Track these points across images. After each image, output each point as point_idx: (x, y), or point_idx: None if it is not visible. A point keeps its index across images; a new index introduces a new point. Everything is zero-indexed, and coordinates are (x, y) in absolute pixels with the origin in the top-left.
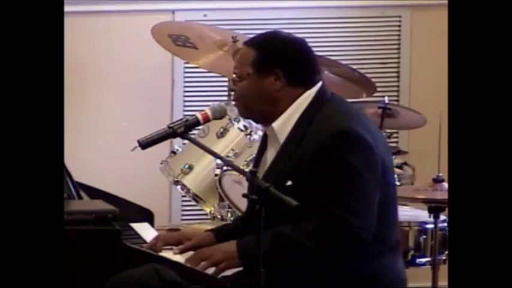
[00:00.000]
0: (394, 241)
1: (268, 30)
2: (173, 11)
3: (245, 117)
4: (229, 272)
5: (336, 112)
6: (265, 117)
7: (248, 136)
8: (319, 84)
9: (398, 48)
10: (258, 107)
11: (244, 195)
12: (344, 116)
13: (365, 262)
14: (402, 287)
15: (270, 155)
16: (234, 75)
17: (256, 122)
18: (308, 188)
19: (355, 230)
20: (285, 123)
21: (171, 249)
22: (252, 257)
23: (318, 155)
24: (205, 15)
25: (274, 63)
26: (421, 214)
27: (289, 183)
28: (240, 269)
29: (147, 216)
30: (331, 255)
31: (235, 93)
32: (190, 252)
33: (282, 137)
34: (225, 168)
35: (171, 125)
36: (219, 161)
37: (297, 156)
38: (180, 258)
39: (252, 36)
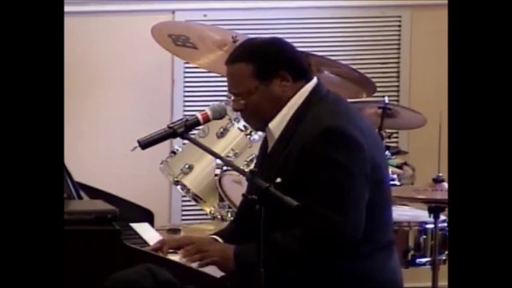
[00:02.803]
0: (387, 241)
1: (242, 42)
2: (173, 11)
3: (262, 130)
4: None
5: (327, 110)
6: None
7: (248, 136)
8: (315, 81)
9: (399, 48)
10: (273, 112)
11: (244, 195)
12: (333, 114)
13: (354, 261)
14: (396, 287)
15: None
16: (235, 96)
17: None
18: (296, 186)
19: (342, 229)
20: (280, 122)
21: (175, 252)
22: (246, 265)
23: (304, 153)
24: (205, 15)
25: (276, 66)
26: (421, 214)
27: (278, 180)
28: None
29: (147, 216)
30: (319, 255)
31: (246, 112)
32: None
33: (277, 134)
34: (225, 168)
35: (171, 125)
36: (219, 161)
37: (286, 154)
38: (179, 259)
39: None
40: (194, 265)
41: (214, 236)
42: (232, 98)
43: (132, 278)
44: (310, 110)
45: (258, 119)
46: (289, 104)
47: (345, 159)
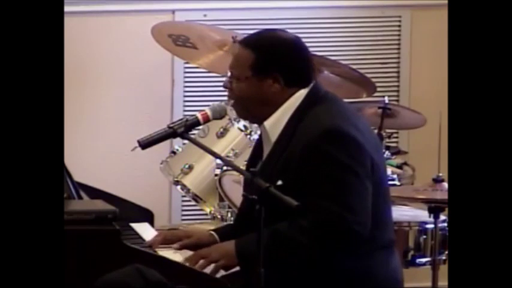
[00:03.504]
0: (387, 240)
1: (265, 29)
2: (173, 11)
3: (243, 118)
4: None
5: (326, 111)
6: (263, 119)
7: (248, 136)
8: (313, 83)
9: (399, 48)
10: (256, 109)
11: (244, 195)
12: (332, 114)
13: (355, 260)
14: (397, 287)
15: (265, 154)
16: (230, 75)
17: (253, 122)
18: (298, 187)
19: (351, 225)
20: (276, 122)
21: (170, 247)
22: (250, 256)
23: (306, 154)
24: (205, 15)
25: (273, 67)
26: (421, 214)
27: (279, 182)
28: (237, 269)
29: (147, 216)
30: (322, 252)
31: (231, 93)
32: (189, 251)
33: (274, 136)
34: (225, 168)
35: (171, 125)
36: (219, 161)
37: (287, 155)
38: (180, 258)
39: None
40: (207, 271)
41: (212, 232)
42: (228, 74)
43: (121, 279)
44: (309, 111)
45: (240, 107)
46: (285, 105)
47: (347, 159)
